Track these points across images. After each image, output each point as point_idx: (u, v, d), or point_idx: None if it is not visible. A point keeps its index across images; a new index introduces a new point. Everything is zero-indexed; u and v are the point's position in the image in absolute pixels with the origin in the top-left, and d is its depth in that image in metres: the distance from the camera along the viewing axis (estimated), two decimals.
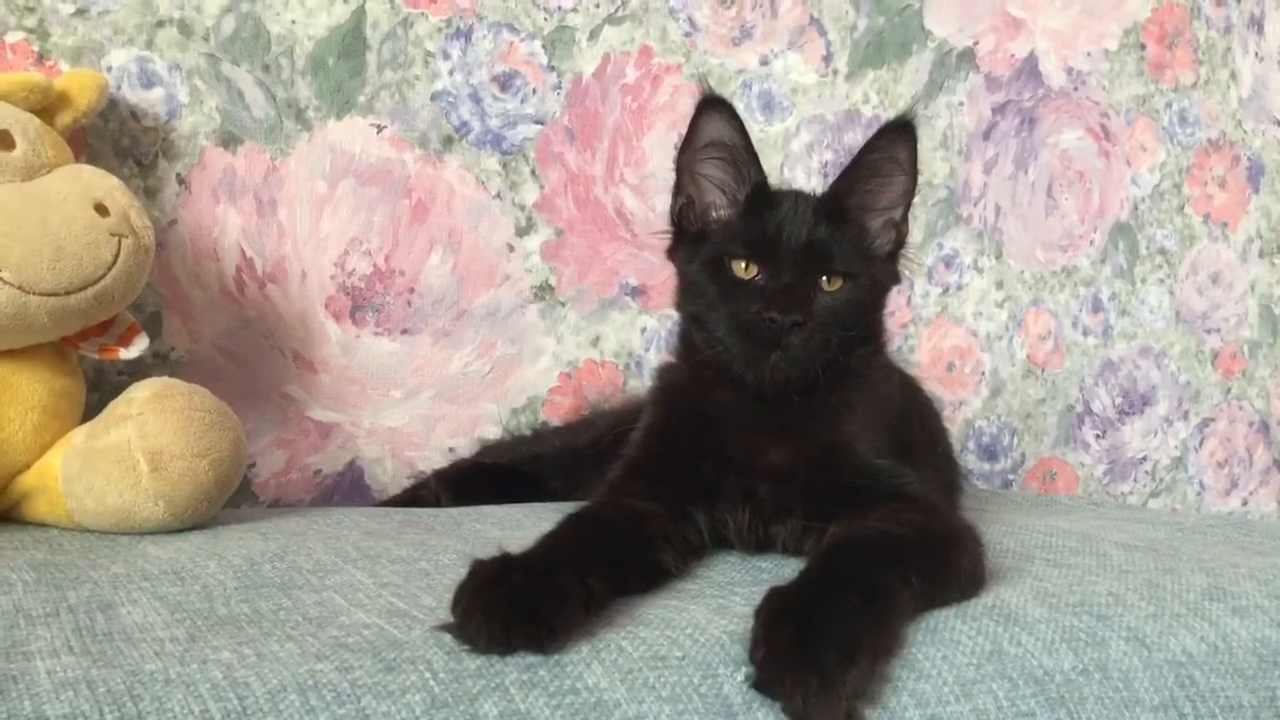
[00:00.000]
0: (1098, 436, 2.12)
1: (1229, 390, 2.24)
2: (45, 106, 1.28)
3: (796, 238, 1.06)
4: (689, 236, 1.13)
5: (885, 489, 1.03)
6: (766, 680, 0.77)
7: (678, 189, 1.14)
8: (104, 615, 0.83)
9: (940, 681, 0.84)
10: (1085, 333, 2.09)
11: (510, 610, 0.77)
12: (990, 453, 2.02)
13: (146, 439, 1.12)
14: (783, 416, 1.07)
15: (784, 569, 1.03)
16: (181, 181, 1.47)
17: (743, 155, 1.10)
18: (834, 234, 1.07)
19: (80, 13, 1.40)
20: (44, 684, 0.69)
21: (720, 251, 1.08)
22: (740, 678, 0.79)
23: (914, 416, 1.25)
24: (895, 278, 1.14)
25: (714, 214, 1.12)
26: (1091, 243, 2.09)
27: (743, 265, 1.06)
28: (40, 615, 0.83)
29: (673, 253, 1.15)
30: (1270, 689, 0.94)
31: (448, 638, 0.78)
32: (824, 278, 1.06)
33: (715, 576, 1.01)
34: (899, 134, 1.10)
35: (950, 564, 0.96)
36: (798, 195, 1.12)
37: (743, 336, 1.04)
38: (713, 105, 1.09)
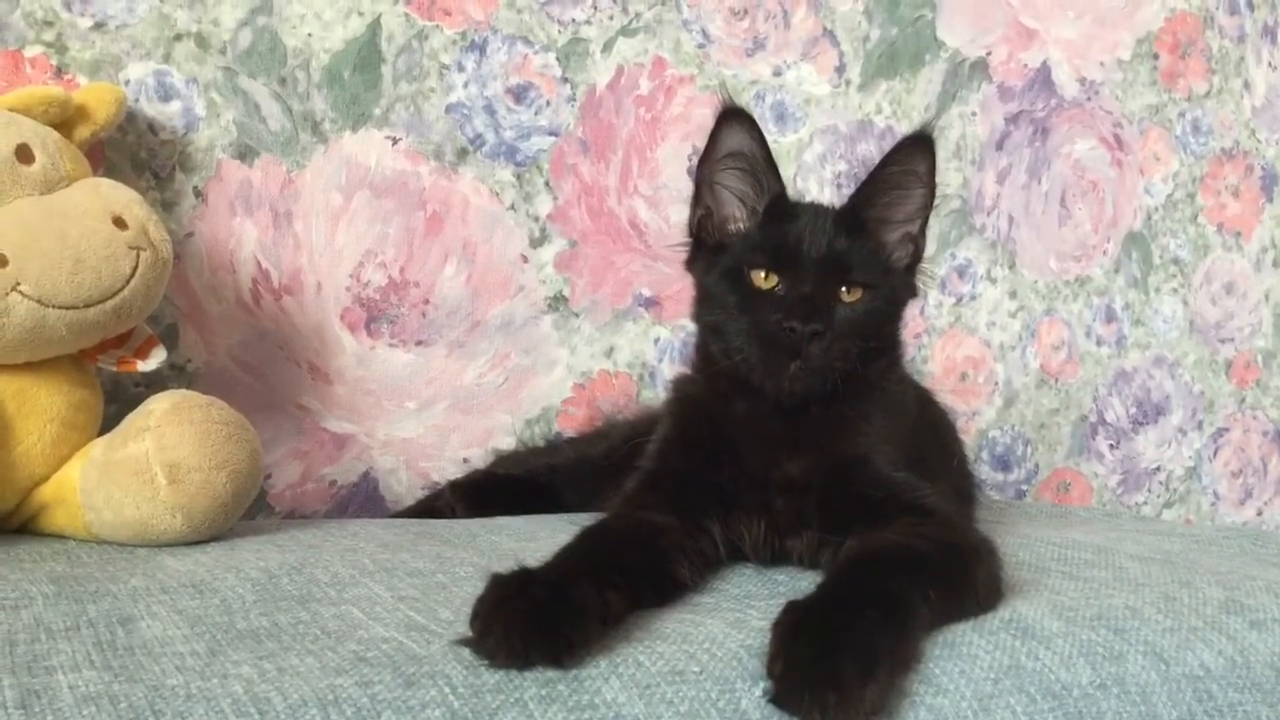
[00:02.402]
0: (1111, 447, 2.12)
1: (1243, 400, 2.24)
2: (64, 120, 1.28)
3: (816, 248, 1.06)
4: (707, 247, 1.13)
5: (902, 502, 1.03)
6: (784, 695, 0.76)
7: (696, 200, 1.14)
8: (124, 629, 0.84)
9: (958, 696, 0.83)
10: (1099, 342, 2.09)
11: (529, 625, 0.77)
12: (1004, 463, 2.02)
13: (164, 451, 1.13)
14: (799, 428, 1.07)
15: (800, 582, 1.03)
16: (198, 194, 1.47)
17: (762, 166, 1.10)
18: (853, 245, 1.07)
19: (98, 27, 1.41)
20: (66, 699, 0.69)
21: (739, 261, 1.08)
22: (758, 693, 0.79)
23: (930, 429, 1.25)
24: (913, 290, 1.14)
25: (732, 225, 1.12)
26: (1105, 252, 2.09)
27: (762, 275, 1.06)
28: (61, 629, 0.83)
29: (691, 264, 1.15)
30: None
31: (466, 652, 0.78)
32: (843, 288, 1.06)
33: (731, 590, 1.01)
34: (918, 147, 1.10)
35: (967, 578, 0.95)
36: (817, 207, 1.12)
37: (762, 346, 1.04)
38: (733, 116, 1.10)
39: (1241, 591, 1.08)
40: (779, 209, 1.10)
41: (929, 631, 0.89)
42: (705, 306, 1.11)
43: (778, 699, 0.77)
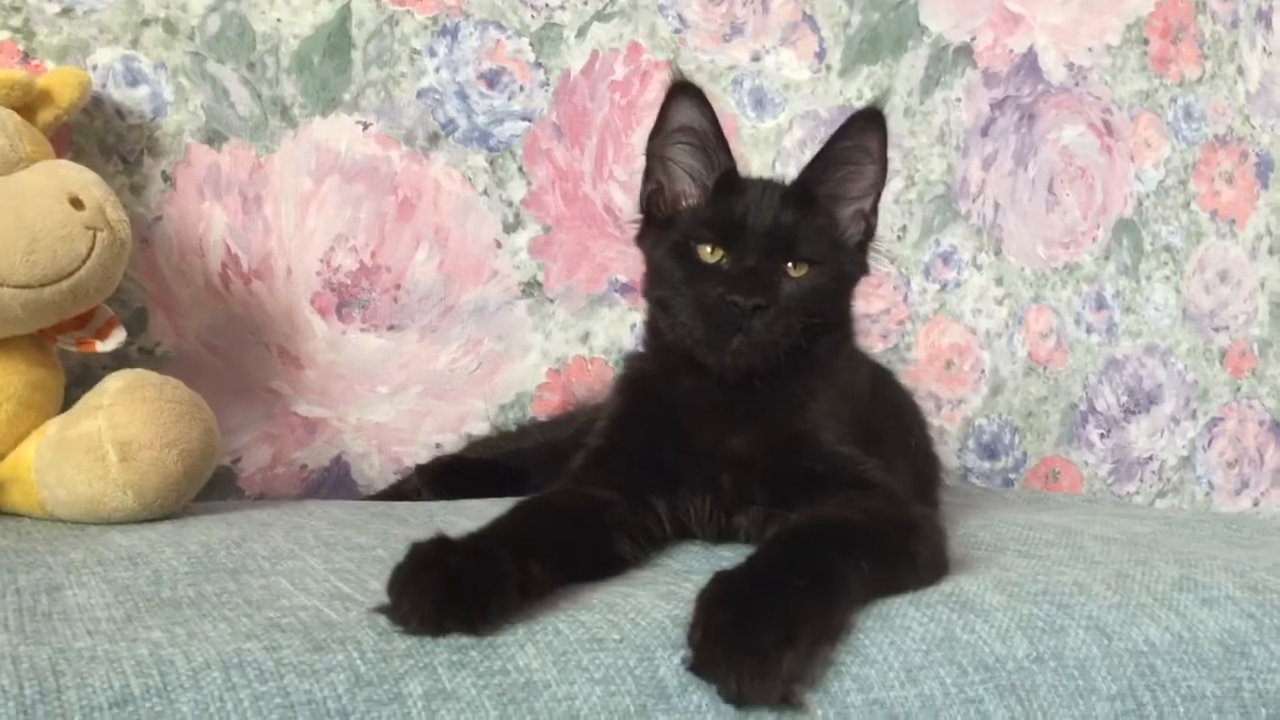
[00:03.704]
0: (1102, 435, 2.09)
1: (1239, 389, 2.21)
2: (26, 104, 1.29)
3: (762, 223, 1.06)
4: (658, 223, 1.13)
5: (845, 476, 1.02)
6: (702, 662, 0.76)
7: (647, 175, 1.14)
8: (49, 597, 0.84)
9: (885, 666, 0.83)
10: (1089, 330, 2.07)
11: (443, 591, 0.77)
12: (991, 451, 2.00)
13: (116, 429, 1.13)
14: (746, 404, 1.06)
15: (744, 558, 1.01)
16: (167, 178, 1.48)
17: (712, 141, 1.09)
18: (801, 221, 1.07)
19: (66, 12, 1.42)
20: None
21: (686, 236, 1.07)
22: (677, 660, 0.78)
23: (885, 407, 1.23)
24: (864, 268, 1.14)
25: (684, 202, 1.11)
26: (1094, 239, 2.06)
27: (708, 249, 1.06)
28: None
29: (642, 239, 1.15)
30: (1236, 680, 0.92)
31: (384, 619, 0.78)
32: (789, 263, 1.05)
33: (673, 565, 1.01)
34: (868, 123, 1.09)
35: (906, 551, 0.94)
36: (766, 182, 1.11)
37: (705, 320, 1.03)
38: (682, 91, 1.09)
39: (1199, 570, 1.07)
40: (728, 184, 1.09)
41: (861, 603, 0.88)
42: (653, 281, 1.11)
43: (695, 667, 0.76)
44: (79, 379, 1.37)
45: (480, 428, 1.64)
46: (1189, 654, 0.92)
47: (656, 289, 1.10)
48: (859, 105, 1.85)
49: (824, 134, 1.82)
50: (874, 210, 1.13)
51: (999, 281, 1.99)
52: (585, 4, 1.68)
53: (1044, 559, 1.10)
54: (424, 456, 1.59)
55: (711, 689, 0.76)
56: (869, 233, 1.13)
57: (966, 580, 0.97)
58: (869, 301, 1.87)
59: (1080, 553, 1.14)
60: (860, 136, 1.09)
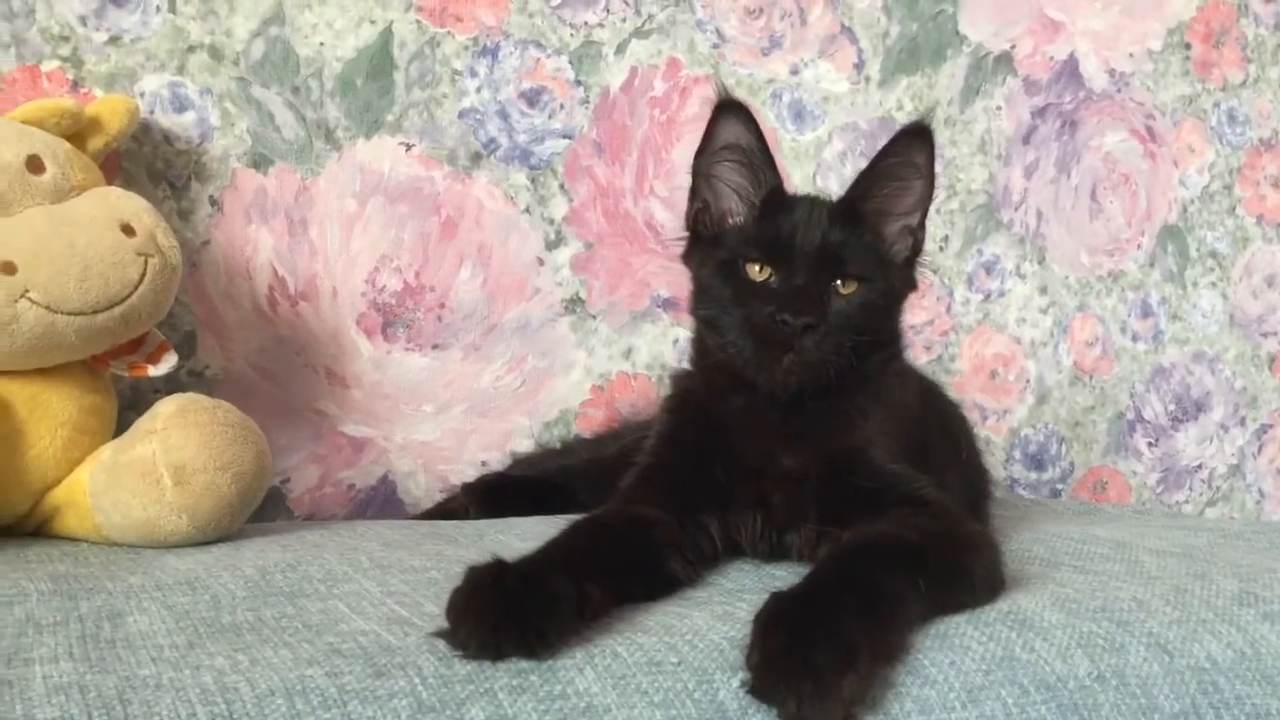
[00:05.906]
0: (1150, 444, 2.07)
1: None
2: (76, 132, 1.31)
3: (811, 241, 1.05)
4: (704, 240, 1.12)
5: (898, 494, 1.01)
6: (761, 686, 0.76)
7: (693, 193, 1.13)
8: (111, 624, 0.84)
9: (946, 687, 0.82)
10: (1135, 338, 2.05)
11: (500, 615, 0.77)
12: (1037, 462, 1.98)
13: (170, 453, 1.14)
14: (796, 422, 1.05)
15: (797, 576, 1.01)
16: (214, 203, 1.50)
17: (759, 159, 1.09)
18: (849, 238, 1.06)
19: (113, 40, 1.44)
20: (38, 689, 0.70)
21: (734, 254, 1.07)
22: (736, 683, 0.78)
23: (934, 422, 1.22)
24: (912, 284, 1.13)
25: (731, 220, 1.11)
26: (1139, 246, 2.05)
27: (756, 268, 1.05)
28: (49, 624, 0.84)
29: (688, 257, 1.15)
30: None
31: (443, 644, 0.78)
32: (838, 281, 1.05)
33: (726, 584, 1.01)
34: (916, 138, 1.08)
35: (962, 569, 0.94)
36: (813, 200, 1.11)
37: (755, 339, 1.03)
38: (729, 108, 1.09)
39: (1259, 584, 1.05)
40: (775, 201, 1.09)
41: (919, 623, 0.87)
42: (700, 300, 1.10)
43: (754, 690, 0.76)
44: (131, 403, 1.39)
45: (525, 445, 1.65)
46: (1252, 670, 0.91)
47: (704, 307, 1.10)
48: (899, 116, 1.85)
49: (864, 146, 1.83)
50: (921, 226, 1.12)
51: (1043, 290, 1.97)
52: (624, 21, 1.69)
53: (1100, 574, 1.09)
54: (470, 475, 1.60)
55: (772, 712, 0.75)
56: (916, 248, 1.12)
57: (1024, 597, 0.97)
58: (912, 313, 1.85)
59: (1136, 567, 1.13)
60: (907, 152, 1.09)
